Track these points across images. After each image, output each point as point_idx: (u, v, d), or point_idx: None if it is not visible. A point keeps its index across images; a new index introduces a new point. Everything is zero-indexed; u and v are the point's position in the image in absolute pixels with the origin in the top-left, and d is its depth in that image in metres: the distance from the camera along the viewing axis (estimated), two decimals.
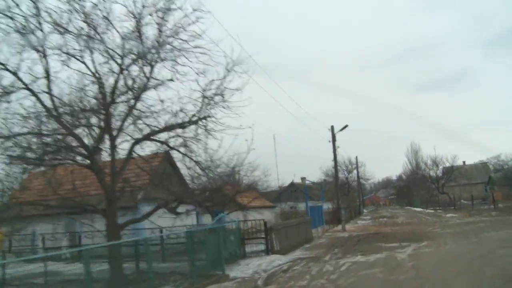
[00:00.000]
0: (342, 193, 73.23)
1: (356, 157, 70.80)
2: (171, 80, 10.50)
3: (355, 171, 77.43)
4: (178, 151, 11.29)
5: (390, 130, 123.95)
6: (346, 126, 31.08)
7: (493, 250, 12.30)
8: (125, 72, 10.23)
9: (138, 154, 11.22)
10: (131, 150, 10.81)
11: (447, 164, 72.59)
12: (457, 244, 14.53)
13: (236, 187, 20.47)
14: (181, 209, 12.02)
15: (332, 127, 30.77)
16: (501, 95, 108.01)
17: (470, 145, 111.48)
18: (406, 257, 12.79)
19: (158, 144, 11.21)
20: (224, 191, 17.07)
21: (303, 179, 54.36)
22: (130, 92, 10.41)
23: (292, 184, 46.54)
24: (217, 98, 10.91)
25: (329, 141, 30.39)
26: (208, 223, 17.31)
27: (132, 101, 10.50)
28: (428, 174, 72.75)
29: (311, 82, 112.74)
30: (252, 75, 11.15)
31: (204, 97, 10.86)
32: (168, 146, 11.21)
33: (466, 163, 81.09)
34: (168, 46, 10.22)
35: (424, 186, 73.50)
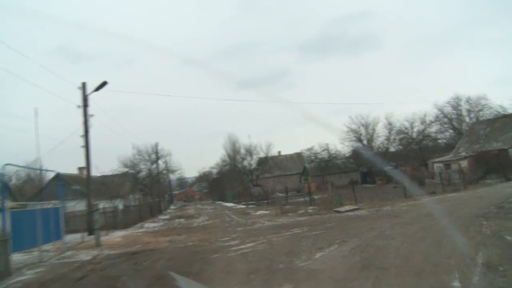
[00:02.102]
0: (142, 185, 64.19)
1: (157, 143, 61.92)
2: None
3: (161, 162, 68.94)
4: None
5: (214, 124, 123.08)
6: (104, 83, 21.43)
7: None
8: None
9: None
10: None
11: (262, 154, 70.62)
12: None
13: None
14: None
15: (84, 84, 20.80)
16: (313, 95, 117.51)
17: (287, 140, 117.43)
18: None
19: None
20: None
21: (81, 169, 42.69)
22: None
23: (58, 177, 34.42)
24: None
25: (78, 106, 20.32)
26: None
27: None
28: (242, 165, 69.27)
29: (134, 74, 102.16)
30: None
31: None
32: None
33: (282, 154, 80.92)
34: None
35: (238, 179, 69.93)
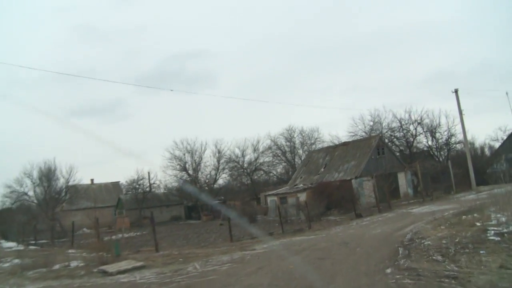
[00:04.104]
0: None
1: None
2: None
3: None
4: None
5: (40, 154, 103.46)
6: None
7: None
8: None
9: None
10: None
11: (69, 183, 56.69)
12: None
13: None
14: None
15: None
16: (147, 127, 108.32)
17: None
18: None
19: None
20: None
21: None
22: None
23: None
24: None
25: None
26: None
27: None
28: (34, 193, 53.61)
29: None
30: None
31: None
32: None
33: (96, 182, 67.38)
34: None
35: (29, 212, 53.89)
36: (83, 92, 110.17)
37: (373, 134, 40.01)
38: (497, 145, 47.97)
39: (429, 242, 10.83)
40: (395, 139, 42.13)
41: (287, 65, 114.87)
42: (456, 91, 31.63)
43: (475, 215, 15.31)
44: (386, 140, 40.33)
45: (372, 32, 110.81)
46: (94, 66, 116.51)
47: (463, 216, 15.85)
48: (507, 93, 52.61)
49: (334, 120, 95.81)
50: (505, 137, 48.96)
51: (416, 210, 22.52)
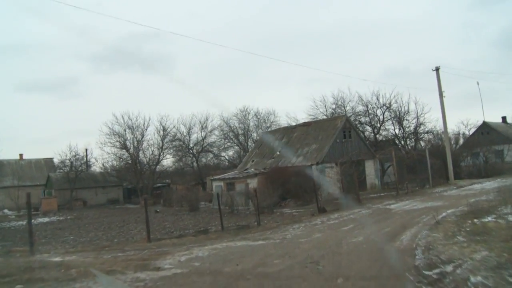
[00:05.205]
0: None
1: None
2: None
3: None
4: None
5: None
6: None
7: None
8: None
9: None
10: None
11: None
12: None
13: None
14: None
15: None
16: (99, 107, 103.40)
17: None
18: None
19: None
20: None
21: None
22: None
23: None
24: None
25: None
26: None
27: None
28: None
29: None
30: None
31: None
32: None
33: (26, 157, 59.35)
34: None
35: None
36: (35, 68, 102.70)
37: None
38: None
39: (480, 278, 5.62)
40: (359, 125, 37.52)
41: (248, 53, 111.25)
42: (437, 69, 27.18)
43: (497, 220, 10.50)
44: None
45: (334, 25, 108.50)
46: (45, 41, 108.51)
47: (475, 220, 11.01)
48: (478, 83, 50.28)
49: (293, 107, 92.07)
50: (467, 132, 46.92)
51: (395, 206, 17.64)
